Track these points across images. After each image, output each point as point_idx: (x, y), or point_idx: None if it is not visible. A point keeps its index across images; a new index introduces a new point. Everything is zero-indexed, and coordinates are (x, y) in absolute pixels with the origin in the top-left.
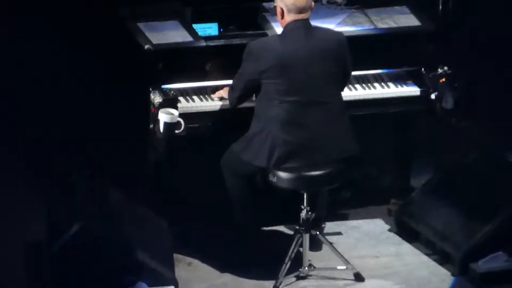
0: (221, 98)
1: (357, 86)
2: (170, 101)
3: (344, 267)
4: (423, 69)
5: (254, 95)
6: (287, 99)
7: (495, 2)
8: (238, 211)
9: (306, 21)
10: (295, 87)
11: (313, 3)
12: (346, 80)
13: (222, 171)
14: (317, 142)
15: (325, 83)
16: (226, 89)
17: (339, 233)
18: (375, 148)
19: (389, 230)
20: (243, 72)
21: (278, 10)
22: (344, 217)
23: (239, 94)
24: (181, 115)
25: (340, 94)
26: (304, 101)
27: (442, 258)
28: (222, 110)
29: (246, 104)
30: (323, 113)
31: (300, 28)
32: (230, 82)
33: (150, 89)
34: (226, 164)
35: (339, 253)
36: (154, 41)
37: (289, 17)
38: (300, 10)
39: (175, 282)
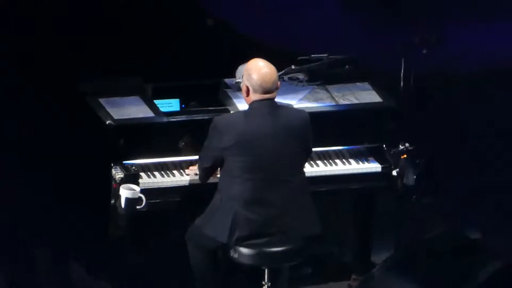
0: (196, 174)
1: (319, 162)
2: (132, 177)
3: None
4: (384, 145)
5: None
6: (250, 176)
7: (455, 80)
8: (201, 285)
9: (271, 101)
10: (258, 165)
11: (279, 83)
12: (307, 158)
13: (187, 245)
14: (279, 221)
15: (288, 161)
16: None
17: None
18: (336, 224)
19: None
20: (208, 146)
21: (244, 88)
22: None
23: (205, 166)
24: (142, 190)
25: (303, 172)
26: (267, 179)
27: None
28: (183, 186)
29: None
30: (286, 191)
31: (265, 107)
32: (192, 157)
33: (112, 165)
34: (189, 238)
35: None
36: (116, 117)
37: (254, 96)
38: (266, 91)
39: None
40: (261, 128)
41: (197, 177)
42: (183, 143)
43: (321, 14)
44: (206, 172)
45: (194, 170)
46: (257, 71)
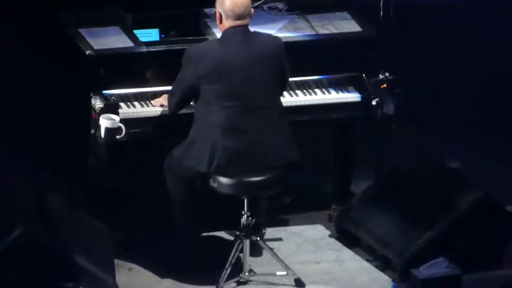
0: (161, 105)
1: (298, 92)
2: (111, 107)
3: (284, 273)
4: (364, 75)
5: (193, 100)
6: (226, 104)
7: (435, 9)
8: (179, 215)
9: (244, 27)
10: (234, 93)
11: (252, 10)
12: (284, 86)
13: (164, 175)
14: (257, 148)
15: (264, 88)
16: (165, 96)
17: (279, 239)
18: (316, 154)
19: (330, 236)
20: (182, 77)
21: (217, 15)
22: (285, 223)
23: (178, 100)
24: (122, 120)
25: (280, 100)
26: (244, 107)
27: (383, 264)
28: (163, 116)
29: (186, 110)
30: (262, 118)
31: (239, 34)
32: (171, 87)
33: (91, 95)
34: (167, 169)
35: (280, 258)
36: (96, 47)
37: (227, 23)
38: (239, 17)
39: (115, 287)
40: (236, 54)
41: None
42: (149, 74)
43: None
44: (178, 106)
45: (159, 101)
46: None
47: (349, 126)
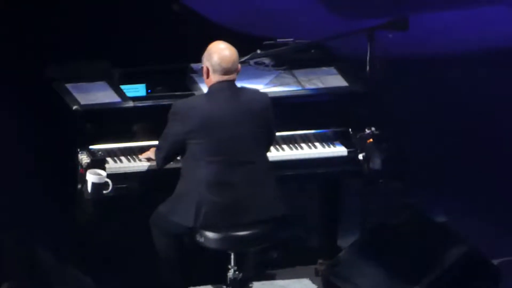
0: (149, 159)
1: (284, 146)
2: (98, 162)
3: None
4: (350, 129)
5: (180, 155)
6: (213, 159)
7: (421, 64)
8: (166, 270)
9: (231, 82)
10: (221, 148)
11: (239, 65)
12: (270, 141)
13: (151, 230)
14: (243, 203)
15: (250, 143)
16: (153, 150)
17: None
18: (303, 208)
19: None
20: (168, 132)
21: (204, 69)
22: (272, 277)
23: (164, 155)
24: (109, 175)
25: (266, 155)
26: (230, 162)
27: None
28: (150, 171)
29: (173, 165)
30: (249, 173)
31: (226, 89)
32: (158, 142)
33: (78, 150)
34: (154, 224)
35: None
36: (82, 102)
37: (214, 77)
38: (226, 71)
39: None
40: (223, 110)
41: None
42: (136, 129)
43: None
44: (164, 161)
45: (147, 155)
46: (217, 51)
47: (336, 181)
